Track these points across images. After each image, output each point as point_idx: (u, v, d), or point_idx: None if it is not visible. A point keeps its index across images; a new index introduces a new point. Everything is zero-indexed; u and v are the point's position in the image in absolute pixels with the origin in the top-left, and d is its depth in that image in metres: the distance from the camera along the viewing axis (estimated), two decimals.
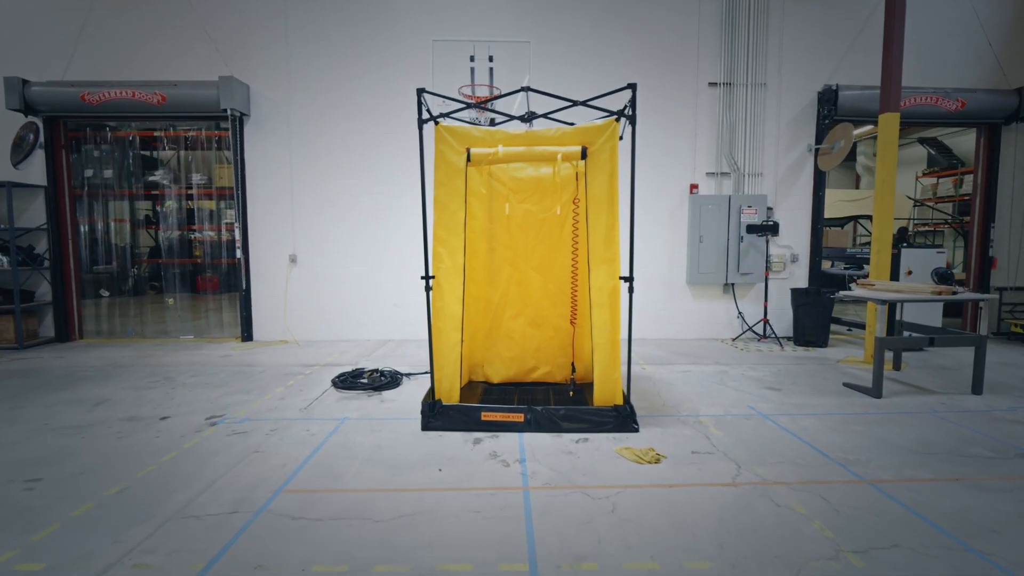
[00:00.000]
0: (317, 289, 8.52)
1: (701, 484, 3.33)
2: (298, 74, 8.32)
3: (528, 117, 4.37)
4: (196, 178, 9.55)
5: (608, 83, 5.54)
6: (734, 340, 8.34)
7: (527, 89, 4.30)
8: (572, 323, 5.46)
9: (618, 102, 4.40)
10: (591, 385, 5.44)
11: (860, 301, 9.28)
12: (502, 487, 3.31)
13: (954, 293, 5.17)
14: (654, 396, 5.32)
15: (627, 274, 4.26)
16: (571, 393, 5.13)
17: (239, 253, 8.32)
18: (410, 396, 5.35)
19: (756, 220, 8.38)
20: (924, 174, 13.56)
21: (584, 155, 4.22)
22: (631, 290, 4.25)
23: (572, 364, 5.50)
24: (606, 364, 4.31)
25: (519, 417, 4.25)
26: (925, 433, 4.27)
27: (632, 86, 4.09)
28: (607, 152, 4.18)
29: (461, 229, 4.36)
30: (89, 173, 9.09)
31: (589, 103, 4.26)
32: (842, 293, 5.80)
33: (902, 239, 10.84)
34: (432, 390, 4.46)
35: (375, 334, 8.51)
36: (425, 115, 4.26)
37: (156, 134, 9.19)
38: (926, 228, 14.03)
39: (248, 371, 6.41)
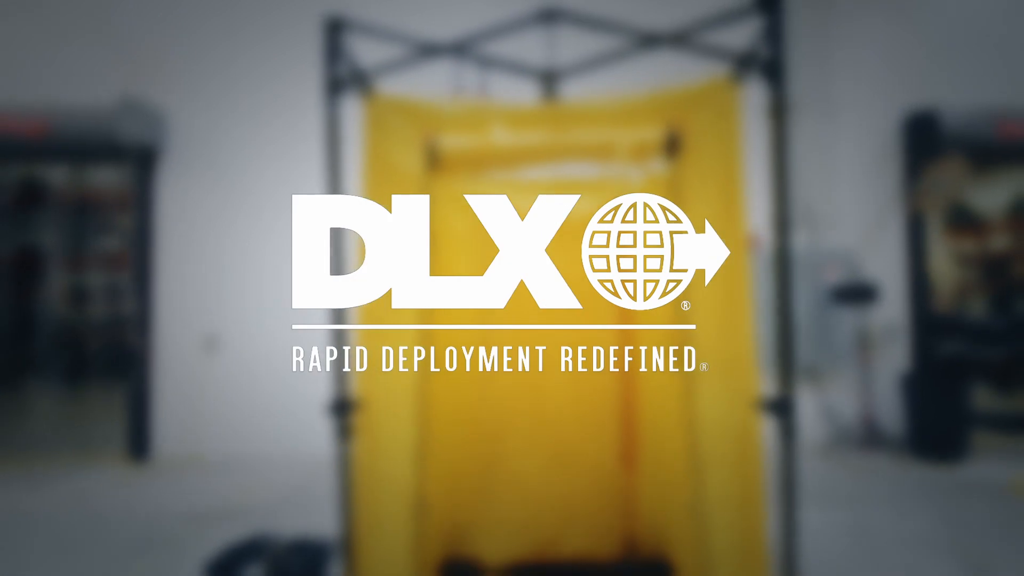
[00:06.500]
0: (246, 381, 6.12)
1: None
2: (232, 93, 6.33)
3: (548, 79, 2.20)
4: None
5: (638, 82, 3.53)
6: (827, 449, 5.94)
7: (550, 12, 2.15)
8: (626, 463, 3.13)
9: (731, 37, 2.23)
10: (663, 569, 3.04)
11: None
12: None
13: None
14: None
15: (776, 393, 1.94)
16: None
17: (135, 337, 6.00)
18: None
19: (842, 281, 6.20)
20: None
21: (672, 147, 2.05)
22: (789, 432, 1.91)
23: (630, 535, 3.13)
24: None
25: None
26: None
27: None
28: (722, 138, 2.00)
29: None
30: None
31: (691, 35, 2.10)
32: None
33: None
34: None
35: (325, 444, 6.04)
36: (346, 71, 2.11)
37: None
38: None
39: (79, 540, 3.88)
